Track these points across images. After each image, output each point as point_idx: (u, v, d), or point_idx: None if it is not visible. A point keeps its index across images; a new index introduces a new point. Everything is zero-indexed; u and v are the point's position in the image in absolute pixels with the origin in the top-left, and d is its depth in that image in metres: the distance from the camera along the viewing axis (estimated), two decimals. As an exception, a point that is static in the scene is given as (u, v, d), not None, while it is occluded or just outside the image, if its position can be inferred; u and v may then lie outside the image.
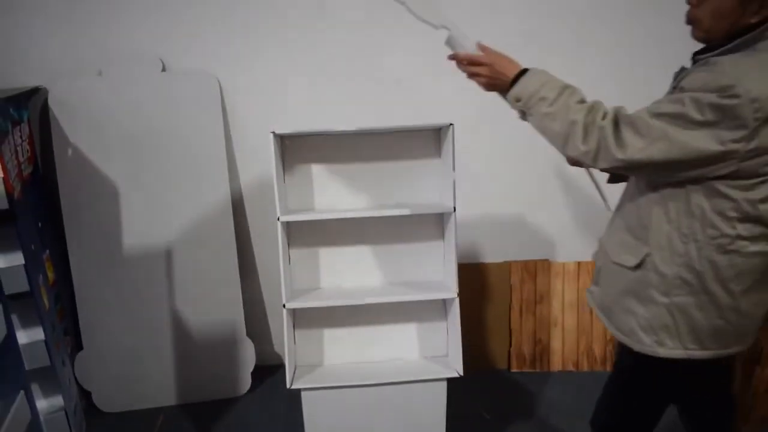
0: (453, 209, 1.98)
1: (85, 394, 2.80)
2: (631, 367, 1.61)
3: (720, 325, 1.42)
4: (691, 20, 1.39)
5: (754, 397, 2.27)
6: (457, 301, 2.02)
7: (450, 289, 2.04)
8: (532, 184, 2.97)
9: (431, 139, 2.13)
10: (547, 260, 3.03)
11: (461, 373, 2.05)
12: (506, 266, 3.02)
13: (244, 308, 2.86)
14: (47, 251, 2.62)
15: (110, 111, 2.64)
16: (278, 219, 1.96)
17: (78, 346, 2.78)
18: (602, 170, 1.49)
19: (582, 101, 1.44)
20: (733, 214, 1.33)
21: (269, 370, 3.06)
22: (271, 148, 1.92)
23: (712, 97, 1.24)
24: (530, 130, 1.53)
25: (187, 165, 2.73)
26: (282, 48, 2.69)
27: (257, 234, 2.96)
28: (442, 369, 2.10)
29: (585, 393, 2.67)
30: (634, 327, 1.51)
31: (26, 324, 2.48)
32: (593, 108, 1.41)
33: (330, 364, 2.19)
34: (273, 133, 1.92)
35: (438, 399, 2.07)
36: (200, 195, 2.75)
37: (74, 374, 2.75)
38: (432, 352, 2.23)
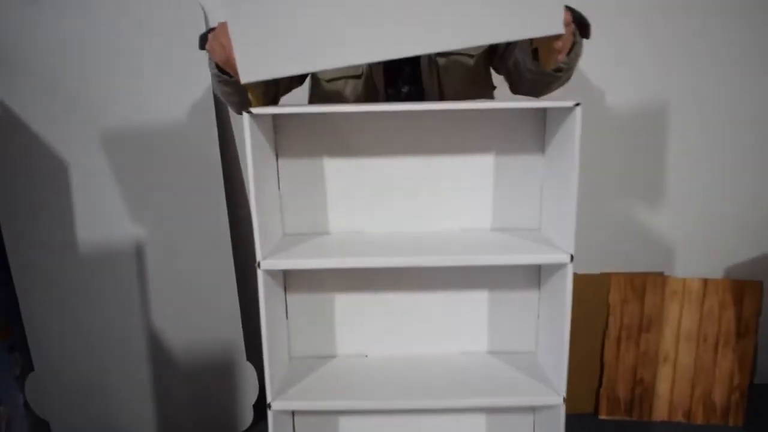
0: (570, 258, 1.06)
1: (42, 425, 2.06)
2: None
3: None
4: None
5: None
6: (563, 410, 1.13)
7: (554, 387, 1.14)
8: (652, 169, 2.01)
9: (530, 126, 1.18)
10: (661, 274, 2.09)
11: None
12: (604, 279, 2.08)
13: (243, 323, 2.03)
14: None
15: (52, 53, 1.76)
16: (258, 265, 1.07)
17: (30, 366, 2.02)
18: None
19: None
20: None
21: (280, 393, 2.26)
22: (247, 137, 1.01)
23: None
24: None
25: (162, 130, 1.84)
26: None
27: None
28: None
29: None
30: None
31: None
32: None
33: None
34: (249, 112, 1.00)
35: None
36: (182, 173, 1.88)
37: (25, 400, 2.01)
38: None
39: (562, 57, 1.07)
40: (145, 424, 2.07)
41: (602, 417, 2.16)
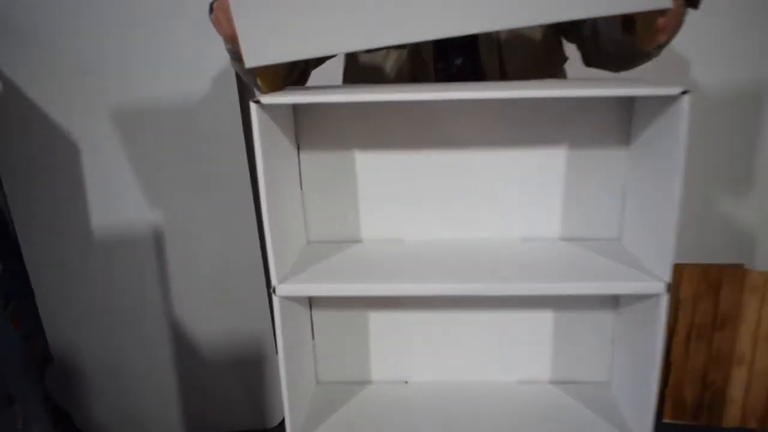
0: (666, 288, 0.82)
1: (64, 416, 1.96)
2: None
3: None
4: None
5: None
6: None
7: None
8: (737, 153, 1.73)
9: (612, 113, 0.93)
10: (741, 266, 1.82)
11: None
12: (676, 270, 1.81)
13: (272, 316, 1.87)
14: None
15: (61, 25, 1.57)
16: (273, 291, 0.87)
17: (48, 355, 1.91)
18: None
19: None
20: None
21: (312, 385, 2.11)
22: (256, 130, 0.79)
23: None
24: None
25: (182, 109, 1.65)
26: None
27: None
28: None
29: None
30: None
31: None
32: None
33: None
34: (257, 102, 0.78)
35: None
36: (204, 156, 1.70)
37: (45, 391, 1.90)
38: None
39: (664, 37, 0.81)
40: (170, 416, 1.95)
41: (666, 420, 1.94)
